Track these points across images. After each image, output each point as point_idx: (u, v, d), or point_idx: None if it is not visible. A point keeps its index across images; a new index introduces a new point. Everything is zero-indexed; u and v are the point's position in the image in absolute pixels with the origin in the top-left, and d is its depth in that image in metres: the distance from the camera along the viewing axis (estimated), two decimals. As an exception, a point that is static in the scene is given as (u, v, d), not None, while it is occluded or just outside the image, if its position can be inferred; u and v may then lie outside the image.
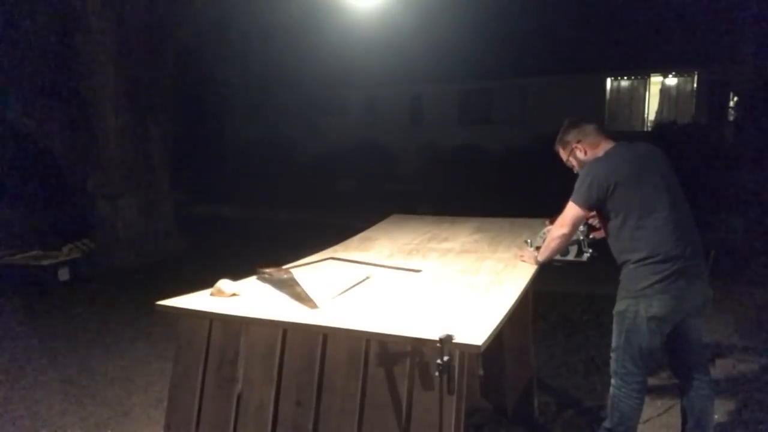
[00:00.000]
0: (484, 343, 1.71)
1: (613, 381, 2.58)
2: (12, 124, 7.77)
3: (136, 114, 7.52)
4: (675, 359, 2.68)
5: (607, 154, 2.61)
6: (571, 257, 2.77)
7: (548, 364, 4.08)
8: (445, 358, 1.61)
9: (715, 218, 9.30)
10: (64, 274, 6.65)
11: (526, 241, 2.96)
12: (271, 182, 13.79)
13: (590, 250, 2.76)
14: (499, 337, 1.87)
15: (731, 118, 12.70)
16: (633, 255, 2.48)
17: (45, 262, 6.66)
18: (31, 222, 8.58)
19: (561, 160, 2.81)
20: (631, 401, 2.52)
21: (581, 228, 2.80)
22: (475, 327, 1.83)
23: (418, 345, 1.76)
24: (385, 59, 14.26)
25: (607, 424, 2.63)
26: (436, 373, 1.63)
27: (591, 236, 2.80)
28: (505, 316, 1.98)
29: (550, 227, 2.88)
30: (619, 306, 2.53)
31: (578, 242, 2.75)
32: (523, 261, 2.76)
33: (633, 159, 2.56)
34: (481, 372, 3.02)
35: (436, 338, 1.64)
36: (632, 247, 2.47)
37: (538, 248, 2.82)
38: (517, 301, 2.20)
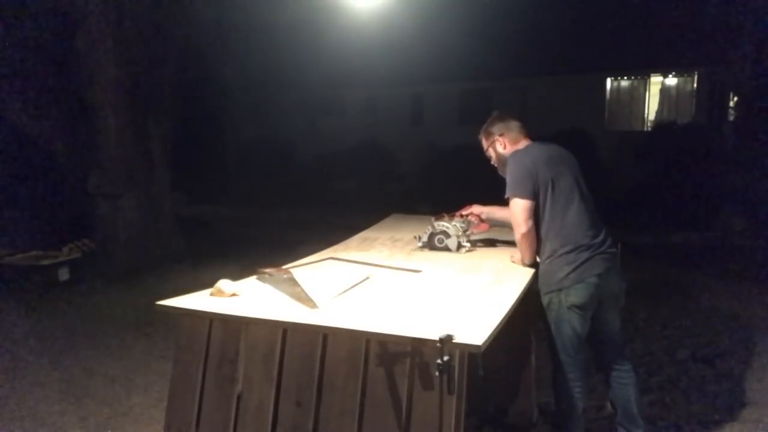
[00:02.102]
0: (484, 343, 1.71)
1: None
2: (12, 124, 7.76)
3: (136, 114, 7.50)
4: (596, 352, 2.79)
5: (526, 147, 2.73)
6: (452, 250, 3.06)
7: (548, 364, 4.06)
8: (445, 358, 1.61)
9: (714, 218, 9.31)
10: (64, 274, 6.65)
11: (415, 237, 3.20)
12: (271, 182, 13.80)
13: (468, 245, 3.08)
14: (499, 337, 1.87)
15: (731, 118, 12.68)
16: (545, 248, 2.59)
17: (45, 262, 6.66)
18: (31, 222, 8.57)
19: (482, 149, 2.94)
20: (570, 390, 2.61)
21: (460, 224, 3.13)
22: (475, 327, 1.83)
23: (418, 345, 1.76)
24: (385, 59, 14.24)
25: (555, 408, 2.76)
26: (436, 373, 1.63)
27: (469, 232, 3.14)
28: (505, 316, 1.98)
29: (436, 223, 3.12)
30: (543, 301, 2.63)
31: (458, 237, 3.08)
32: (514, 263, 2.80)
33: (549, 155, 2.67)
34: (481, 372, 3.02)
35: (436, 338, 1.64)
36: (545, 238, 2.59)
37: (425, 244, 3.11)
38: (517, 301, 2.20)
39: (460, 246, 3.06)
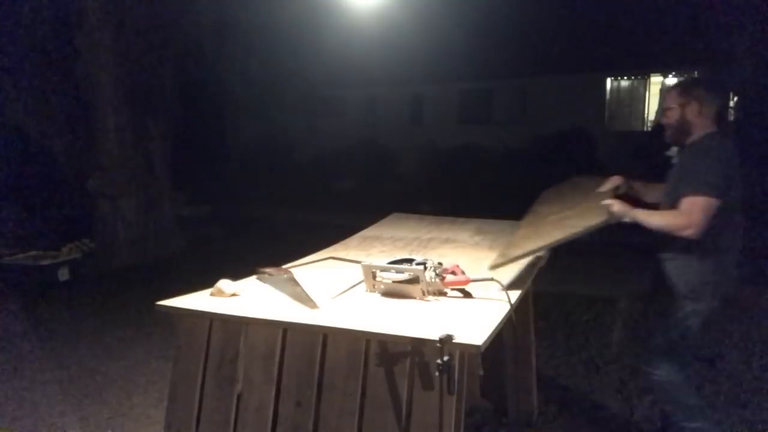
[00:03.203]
0: (484, 343, 1.71)
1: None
2: (12, 124, 7.77)
3: (136, 114, 7.51)
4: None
5: (722, 138, 2.50)
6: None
7: (548, 364, 4.08)
8: (445, 358, 1.62)
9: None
10: (64, 274, 6.65)
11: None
12: (271, 182, 13.78)
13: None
14: (499, 337, 1.87)
15: (731, 118, 12.68)
16: (707, 246, 2.43)
17: (45, 262, 6.65)
18: (31, 222, 8.57)
19: (666, 102, 2.60)
20: (692, 389, 2.71)
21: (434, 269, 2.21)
22: (475, 327, 1.83)
23: (418, 345, 1.76)
24: (385, 59, 14.25)
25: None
26: (436, 373, 1.64)
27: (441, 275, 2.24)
28: (505, 316, 1.98)
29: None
30: (687, 305, 2.52)
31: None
32: (612, 209, 2.43)
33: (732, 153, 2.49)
34: (481, 372, 3.02)
35: (436, 338, 1.64)
36: (709, 237, 2.39)
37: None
38: (517, 301, 2.20)
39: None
